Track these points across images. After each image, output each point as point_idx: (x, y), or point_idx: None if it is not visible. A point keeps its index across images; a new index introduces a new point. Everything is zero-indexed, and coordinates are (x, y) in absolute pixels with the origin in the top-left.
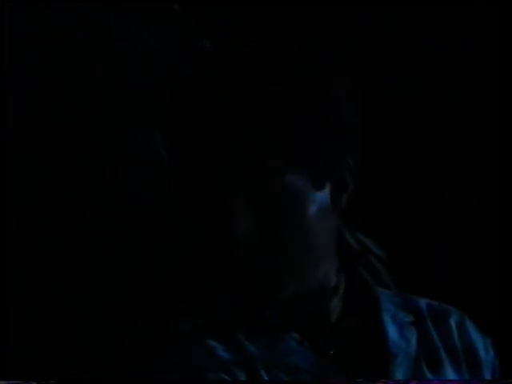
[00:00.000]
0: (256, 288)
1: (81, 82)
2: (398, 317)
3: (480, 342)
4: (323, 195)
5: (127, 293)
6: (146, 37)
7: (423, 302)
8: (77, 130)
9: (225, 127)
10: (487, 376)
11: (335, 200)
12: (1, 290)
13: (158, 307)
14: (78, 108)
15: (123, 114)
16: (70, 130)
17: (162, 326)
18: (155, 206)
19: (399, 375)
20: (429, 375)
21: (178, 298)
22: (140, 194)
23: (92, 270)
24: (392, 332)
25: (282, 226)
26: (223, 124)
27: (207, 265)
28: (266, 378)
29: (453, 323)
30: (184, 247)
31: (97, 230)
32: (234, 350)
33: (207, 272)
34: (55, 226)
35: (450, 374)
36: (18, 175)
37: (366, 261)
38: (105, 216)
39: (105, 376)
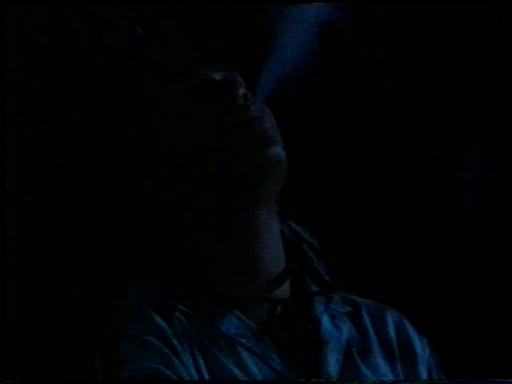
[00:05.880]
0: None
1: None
2: (331, 307)
3: (417, 339)
4: None
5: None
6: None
7: (360, 299)
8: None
9: None
10: (423, 372)
11: None
12: (1, 290)
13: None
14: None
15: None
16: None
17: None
18: None
19: (332, 361)
20: (360, 364)
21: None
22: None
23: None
24: (325, 321)
25: None
26: None
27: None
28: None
29: (389, 318)
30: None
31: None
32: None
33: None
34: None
35: (382, 365)
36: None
37: (298, 249)
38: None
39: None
